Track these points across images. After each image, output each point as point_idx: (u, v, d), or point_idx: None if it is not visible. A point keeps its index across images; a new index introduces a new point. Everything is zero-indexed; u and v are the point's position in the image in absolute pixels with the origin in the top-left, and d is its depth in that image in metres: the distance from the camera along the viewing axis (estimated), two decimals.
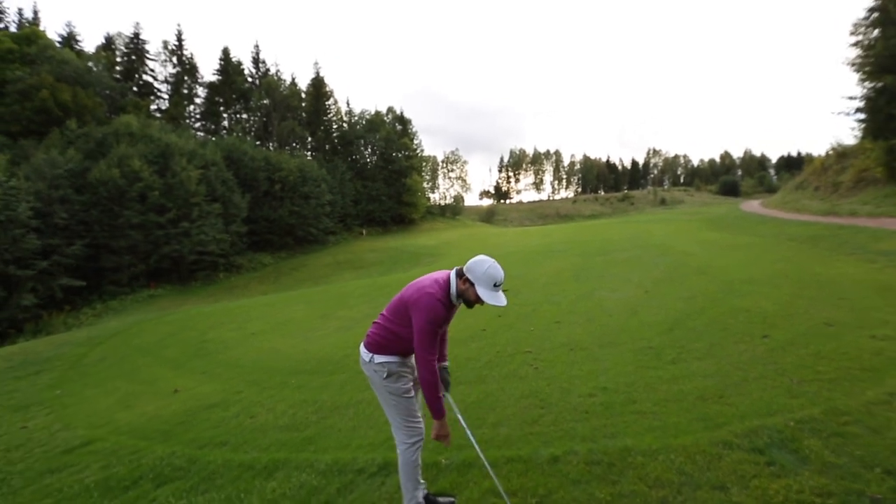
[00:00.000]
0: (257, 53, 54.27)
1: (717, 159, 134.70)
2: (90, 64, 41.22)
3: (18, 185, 23.15)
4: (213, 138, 44.46)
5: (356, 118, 57.71)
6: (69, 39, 46.44)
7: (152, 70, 49.50)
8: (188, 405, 5.36)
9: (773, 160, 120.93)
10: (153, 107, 49.73)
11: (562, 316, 7.04)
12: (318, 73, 55.57)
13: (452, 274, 2.28)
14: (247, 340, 9.01)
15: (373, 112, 58.39)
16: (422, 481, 2.44)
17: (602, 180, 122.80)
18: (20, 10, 49.12)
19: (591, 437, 3.04)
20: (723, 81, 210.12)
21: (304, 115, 54.20)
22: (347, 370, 5.77)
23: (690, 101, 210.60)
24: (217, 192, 32.47)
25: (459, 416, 2.50)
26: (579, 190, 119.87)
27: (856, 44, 23.78)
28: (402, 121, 60.41)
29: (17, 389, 7.30)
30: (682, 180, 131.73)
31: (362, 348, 2.38)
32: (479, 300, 2.21)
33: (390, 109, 61.09)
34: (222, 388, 5.88)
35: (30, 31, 40.81)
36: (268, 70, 54.34)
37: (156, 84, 49.97)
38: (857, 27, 23.43)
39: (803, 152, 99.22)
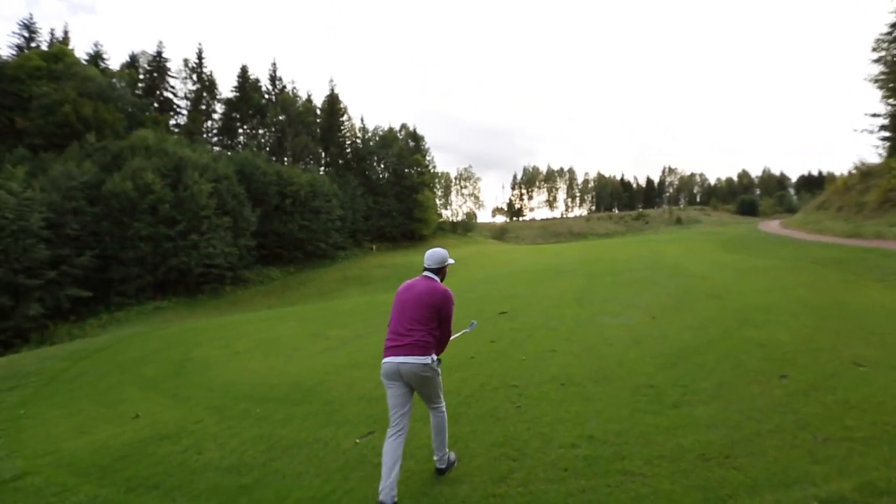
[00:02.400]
0: (274, 71, 55.50)
1: (735, 178, 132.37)
2: (114, 81, 42.54)
3: (33, 196, 23.53)
4: (229, 153, 45.19)
5: (370, 134, 58.24)
6: (96, 58, 48.11)
7: (172, 87, 50.93)
8: (141, 434, 4.92)
9: (793, 179, 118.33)
10: (172, 122, 51.06)
11: (558, 343, 6.47)
12: (332, 90, 56.52)
13: (431, 275, 3.17)
14: (229, 360, 8.60)
15: (386, 128, 58.93)
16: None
17: (616, 198, 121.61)
18: (52, 30, 51.01)
19: None
20: (740, 99, 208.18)
21: (318, 131, 54.94)
22: (316, 400, 5.28)
23: (706, 119, 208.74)
24: (227, 206, 32.69)
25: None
26: (593, 208, 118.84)
27: (878, 60, 22.98)
28: (415, 137, 60.80)
29: None
30: (698, 199, 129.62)
31: (413, 357, 2.87)
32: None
33: (403, 126, 61.60)
34: (183, 415, 5.44)
35: (58, 49, 42.39)
36: (284, 87, 55.46)
37: (175, 100, 51.31)
38: (879, 43, 22.67)
39: (824, 171, 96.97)
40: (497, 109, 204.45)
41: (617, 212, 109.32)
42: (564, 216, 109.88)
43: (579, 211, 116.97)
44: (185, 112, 51.92)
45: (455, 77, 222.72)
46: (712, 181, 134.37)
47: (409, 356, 2.85)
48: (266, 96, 54.02)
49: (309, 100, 55.36)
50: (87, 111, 35.42)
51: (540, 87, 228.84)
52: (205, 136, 51.43)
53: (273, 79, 55.39)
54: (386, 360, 2.92)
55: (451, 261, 3.28)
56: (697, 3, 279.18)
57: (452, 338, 3.25)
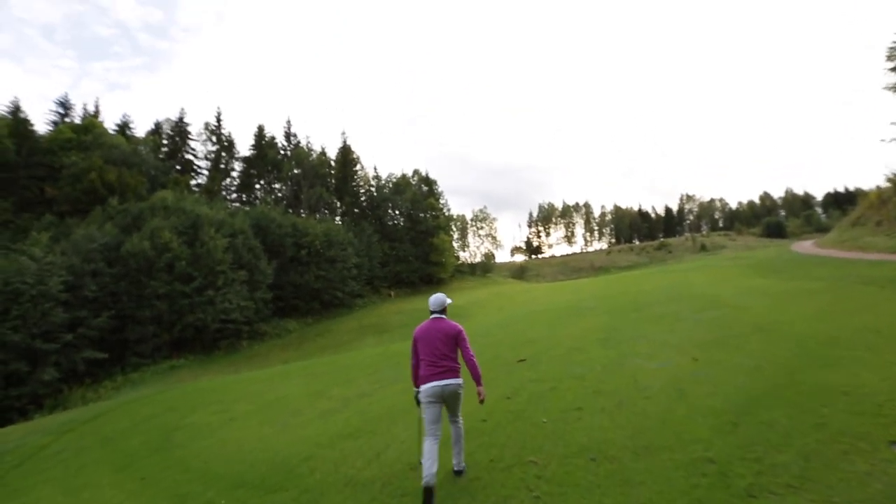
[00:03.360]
0: (289, 128, 57.73)
1: (757, 200, 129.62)
2: (141, 147, 44.70)
3: (53, 261, 23.92)
4: (247, 208, 46.23)
5: (383, 182, 59.15)
6: (123, 127, 50.98)
7: (193, 149, 53.22)
8: None
9: (819, 197, 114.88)
10: (194, 182, 53.06)
11: (585, 398, 5.46)
12: (345, 142, 58.15)
13: (439, 315, 4.06)
14: (221, 428, 7.77)
15: (399, 175, 59.86)
16: None
17: (635, 229, 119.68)
18: (85, 105, 54.77)
19: None
20: (755, 121, 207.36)
21: (332, 181, 56.12)
22: (293, 486, 4.38)
23: (720, 144, 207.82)
24: (243, 260, 32.82)
25: None
26: (613, 240, 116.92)
27: (894, 69, 22.23)
28: (428, 181, 61.50)
29: None
30: (720, 224, 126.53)
31: (449, 380, 3.76)
32: None
33: (416, 171, 62.55)
34: None
35: (88, 121, 45.07)
36: (299, 142, 57.42)
37: (196, 161, 53.48)
38: (892, 51, 22.02)
39: (851, 187, 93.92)
40: (507, 148, 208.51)
41: (638, 243, 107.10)
42: (584, 251, 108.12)
43: (599, 244, 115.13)
44: (205, 172, 53.97)
45: (464, 120, 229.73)
46: (733, 205, 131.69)
47: (450, 379, 3.75)
48: (282, 152, 55.90)
49: (323, 153, 57.02)
50: (112, 177, 36.92)
51: (548, 123, 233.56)
52: (223, 193, 53.04)
53: (288, 135, 57.53)
54: (429, 384, 3.73)
55: (449, 300, 4.15)
56: (705, 26, 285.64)
57: None
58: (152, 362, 26.43)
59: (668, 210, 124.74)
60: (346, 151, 57.68)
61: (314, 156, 55.52)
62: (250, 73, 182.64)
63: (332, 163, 57.37)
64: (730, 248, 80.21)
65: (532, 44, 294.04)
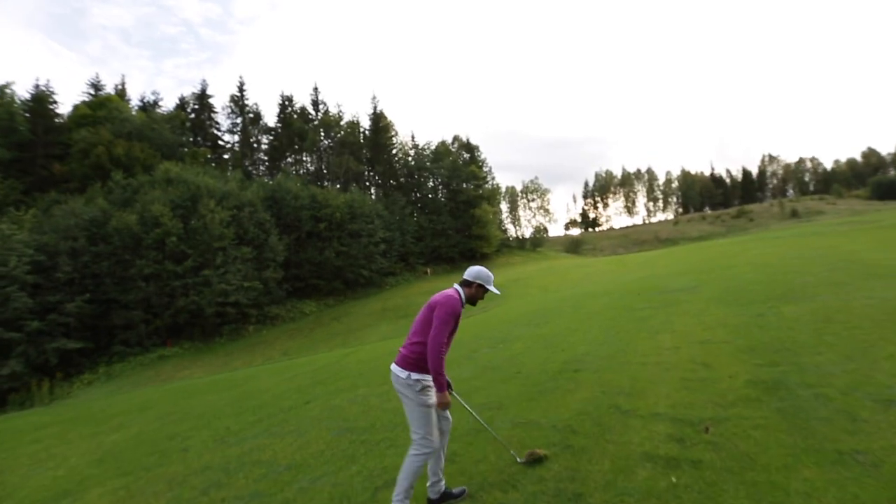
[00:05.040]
0: (316, 95, 53.53)
1: (859, 158, 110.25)
2: (168, 125, 42.35)
3: (22, 239, 21.01)
4: (270, 181, 42.79)
5: (421, 149, 53.81)
6: (153, 104, 49.10)
7: (217, 123, 50.64)
8: None
9: None
10: (226, 156, 50.77)
11: None
12: (375, 108, 53.08)
13: (457, 286, 2.91)
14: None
15: (438, 142, 54.18)
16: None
17: (707, 196, 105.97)
18: (116, 85, 53.06)
19: None
20: (851, 63, 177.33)
21: (364, 151, 51.66)
22: None
23: (809, 93, 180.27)
24: (249, 235, 29.04)
25: (464, 403, 3.08)
26: (680, 210, 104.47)
27: None
28: (469, 147, 55.39)
29: None
30: (811, 188, 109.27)
31: (396, 368, 2.72)
32: (482, 296, 2.92)
33: (456, 138, 56.51)
34: None
35: (104, 97, 43.22)
36: (328, 110, 53.18)
37: (221, 135, 51.03)
38: None
39: None
40: (560, 120, 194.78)
41: (710, 211, 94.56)
42: (647, 222, 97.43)
43: (664, 215, 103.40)
44: (233, 146, 51.47)
45: (513, 92, 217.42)
46: (828, 165, 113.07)
47: (396, 366, 2.77)
48: (309, 121, 52.03)
49: (353, 121, 52.39)
50: (120, 151, 34.38)
51: (603, 90, 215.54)
52: (251, 167, 50.32)
53: (315, 103, 53.41)
54: None
55: (492, 288, 2.96)
56: None
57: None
58: (142, 351, 23.33)
59: (746, 173, 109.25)
60: (377, 118, 52.69)
61: (344, 122, 51.10)
62: (278, 39, 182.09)
63: (365, 132, 52.73)
64: (829, 214, 67.37)
65: (585, 7, 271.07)
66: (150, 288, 23.63)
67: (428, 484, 2.78)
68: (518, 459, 3.08)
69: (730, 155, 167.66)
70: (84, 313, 22.20)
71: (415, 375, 2.63)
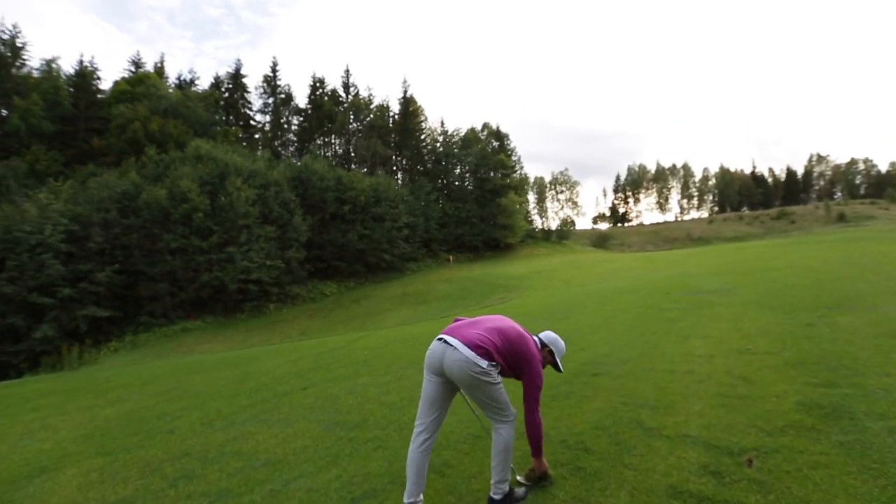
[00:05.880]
0: (347, 78, 53.36)
1: None
2: (202, 103, 43.04)
3: (58, 208, 21.70)
4: (298, 162, 43.07)
5: (450, 136, 53.11)
6: (189, 83, 50.00)
7: (250, 102, 51.21)
8: None
9: None
10: (258, 136, 51.45)
11: None
12: (406, 92, 52.48)
13: (535, 338, 2.70)
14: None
15: (467, 129, 53.29)
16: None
17: (746, 196, 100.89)
18: (156, 62, 54.26)
19: None
20: None
21: (393, 135, 51.35)
22: None
23: (864, 89, 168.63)
24: (273, 214, 29.26)
25: (468, 400, 2.71)
26: (716, 208, 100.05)
27: None
28: (499, 136, 54.23)
29: None
30: (862, 191, 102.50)
31: (470, 355, 2.38)
32: (545, 365, 2.68)
33: (485, 125, 55.40)
34: None
35: (143, 74, 44.20)
36: (358, 93, 52.98)
37: (254, 114, 51.63)
38: None
39: None
40: (593, 113, 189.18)
41: (748, 211, 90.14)
42: (679, 219, 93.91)
43: (698, 213, 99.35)
44: (263, 126, 52.07)
45: (546, 82, 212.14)
46: (883, 167, 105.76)
47: (471, 352, 2.41)
48: (339, 103, 51.99)
49: (384, 105, 52.02)
50: (155, 127, 35.13)
51: (638, 82, 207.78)
52: (280, 147, 50.82)
53: (346, 85, 53.26)
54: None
55: (559, 363, 2.77)
56: None
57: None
58: (165, 323, 23.94)
59: (790, 173, 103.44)
60: (407, 102, 52.13)
61: (373, 105, 50.82)
62: (314, 21, 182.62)
63: (395, 116, 52.34)
64: (881, 219, 62.99)
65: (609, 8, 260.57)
66: (176, 262, 24.13)
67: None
68: (518, 477, 2.63)
69: (773, 154, 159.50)
70: (113, 283, 22.87)
71: (491, 362, 2.45)
